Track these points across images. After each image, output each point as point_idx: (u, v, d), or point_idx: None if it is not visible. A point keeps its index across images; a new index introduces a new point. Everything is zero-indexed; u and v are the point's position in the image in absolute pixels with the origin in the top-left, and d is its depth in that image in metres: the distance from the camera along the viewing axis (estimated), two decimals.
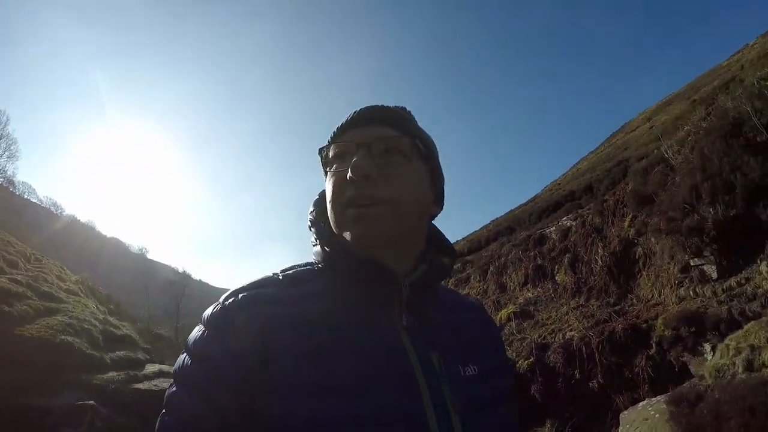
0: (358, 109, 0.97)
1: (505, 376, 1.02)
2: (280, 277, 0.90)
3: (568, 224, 10.98)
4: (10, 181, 52.85)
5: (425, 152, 0.96)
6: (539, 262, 11.26)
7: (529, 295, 10.91)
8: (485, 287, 12.86)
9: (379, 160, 0.88)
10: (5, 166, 43.31)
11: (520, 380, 8.41)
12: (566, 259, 10.32)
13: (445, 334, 0.92)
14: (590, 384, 7.30)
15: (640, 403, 6.01)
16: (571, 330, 8.49)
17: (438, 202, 1.01)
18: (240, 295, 0.84)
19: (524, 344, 9.15)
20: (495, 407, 0.90)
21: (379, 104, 0.97)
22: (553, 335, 8.81)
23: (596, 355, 7.47)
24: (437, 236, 1.01)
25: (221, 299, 0.86)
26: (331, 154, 0.94)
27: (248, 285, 0.88)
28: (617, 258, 8.82)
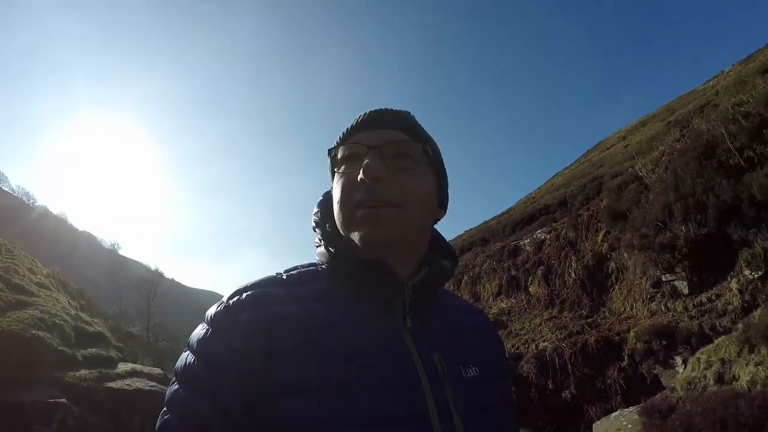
0: (367, 111, 0.99)
1: (506, 380, 1.03)
2: (284, 277, 0.91)
3: (543, 237, 11.19)
4: None
5: (433, 157, 0.98)
6: (513, 273, 11.43)
7: (503, 305, 11.06)
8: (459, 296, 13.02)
9: (390, 163, 0.89)
10: None
11: None
12: (540, 271, 10.51)
13: (447, 336, 0.93)
14: (563, 394, 7.44)
15: (613, 414, 6.17)
16: (544, 341, 8.64)
17: (442, 206, 1.02)
18: (244, 294, 0.85)
19: None
20: (496, 409, 0.92)
21: (388, 108, 0.99)
22: (527, 345, 8.95)
23: (569, 366, 7.62)
24: (438, 239, 1.02)
25: (225, 298, 0.86)
26: (340, 155, 0.94)
27: (252, 284, 0.88)
28: (590, 271, 9.04)
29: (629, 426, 5.60)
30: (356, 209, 0.87)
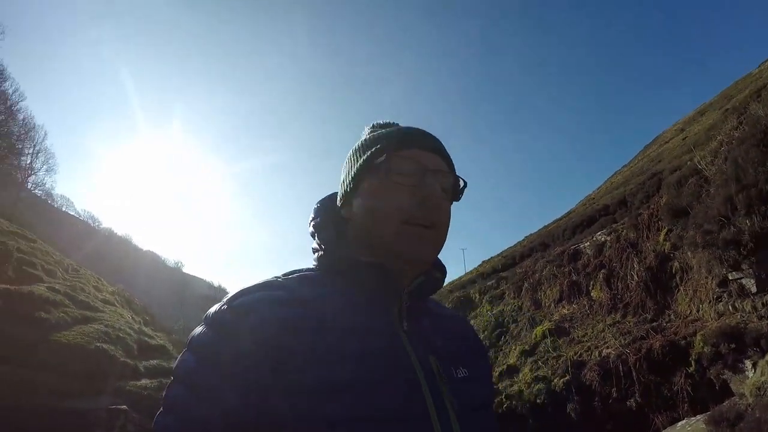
0: (420, 129, 1.05)
1: (490, 382, 1.10)
2: (284, 281, 0.92)
3: (603, 239, 10.76)
4: (49, 194, 54.90)
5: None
6: (574, 278, 11.04)
7: (565, 311, 10.70)
8: (520, 304, 12.68)
9: (442, 189, 0.97)
10: (44, 180, 44.76)
11: (554, 399, 8.26)
12: (601, 275, 10.09)
13: (438, 340, 0.97)
14: (628, 402, 7.09)
15: (679, 423, 5.83)
16: (607, 347, 8.28)
17: None
18: (248, 296, 0.86)
19: (559, 362, 8.98)
20: (483, 408, 0.97)
21: (436, 136, 1.06)
22: (589, 353, 8.60)
23: (633, 373, 7.26)
24: None
25: (226, 299, 0.87)
26: (391, 163, 0.97)
27: (254, 287, 0.89)
28: (653, 273, 8.58)
29: None
30: (405, 224, 0.92)
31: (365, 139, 1.06)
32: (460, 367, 0.96)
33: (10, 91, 35.53)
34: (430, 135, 1.05)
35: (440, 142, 1.05)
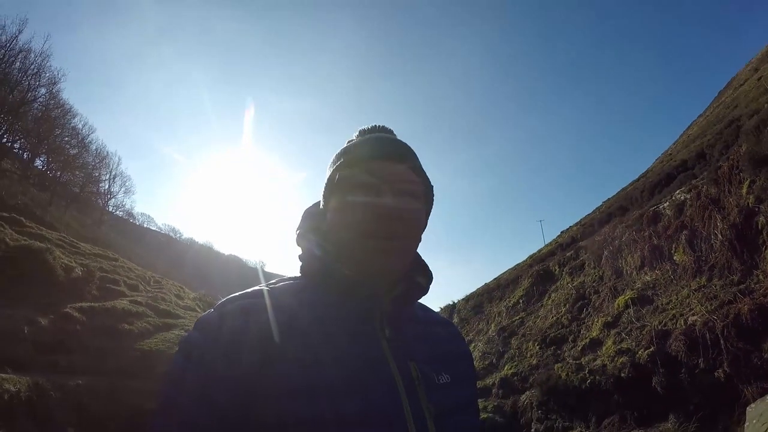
0: (379, 136, 1.08)
1: (473, 386, 1.13)
2: (269, 289, 0.97)
3: (682, 198, 9.96)
4: (130, 214, 59.52)
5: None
6: (655, 242, 10.33)
7: (647, 278, 10.07)
8: (600, 273, 12.08)
9: (401, 200, 0.98)
10: (123, 201, 48.63)
11: (639, 372, 7.85)
12: (683, 237, 9.37)
13: (420, 345, 1.01)
14: (716, 373, 6.59)
15: None
16: (693, 314, 7.73)
17: None
18: (235, 304, 0.92)
19: (643, 333, 8.51)
20: (464, 412, 1.01)
21: (397, 138, 1.09)
22: (674, 321, 8.07)
23: (721, 341, 6.73)
24: (416, 258, 1.09)
25: (216, 306, 0.93)
26: (350, 179, 1.00)
27: (241, 295, 0.95)
28: (738, 230, 7.84)
29: None
30: (368, 238, 0.95)
31: (335, 155, 1.09)
32: (443, 372, 0.99)
33: (80, 126, 39.01)
34: (390, 142, 1.05)
35: (403, 149, 1.05)
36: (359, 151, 1.03)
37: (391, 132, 1.13)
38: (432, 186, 1.08)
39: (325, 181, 1.06)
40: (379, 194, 0.96)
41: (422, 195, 1.03)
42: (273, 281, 1.04)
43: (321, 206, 1.10)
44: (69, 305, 8.97)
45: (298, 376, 0.83)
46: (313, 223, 1.10)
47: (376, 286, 0.97)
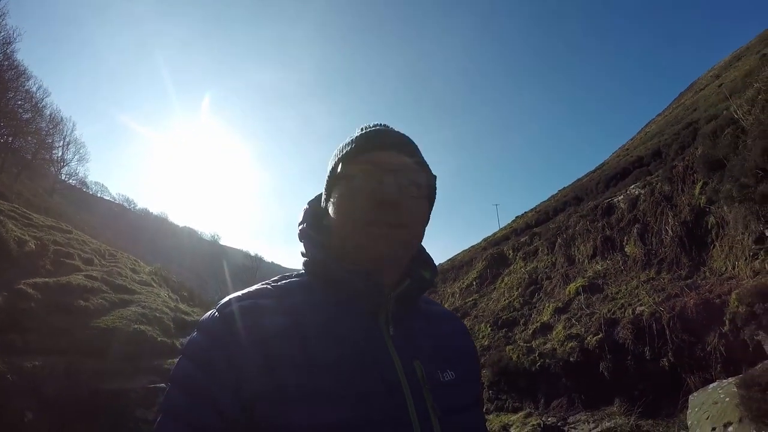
0: (379, 128, 1.06)
1: (478, 383, 1.13)
2: (273, 288, 0.96)
3: (637, 192, 10.42)
4: (83, 182, 56.90)
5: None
6: (608, 233, 10.81)
7: (598, 267, 10.54)
8: (553, 260, 12.54)
9: (404, 188, 0.96)
10: (77, 169, 46.36)
11: (587, 357, 8.25)
12: (635, 230, 9.84)
13: (426, 343, 1.00)
14: (660, 362, 7.03)
15: (711, 385, 5.75)
16: (641, 305, 8.16)
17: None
18: (237, 305, 0.89)
19: (593, 319, 8.91)
20: (469, 410, 1.00)
21: (397, 131, 1.07)
22: (623, 310, 8.50)
23: (667, 331, 7.16)
24: (420, 251, 1.08)
25: (218, 307, 0.91)
26: (352, 168, 0.99)
27: (244, 295, 0.93)
28: (688, 228, 8.31)
29: (727, 399, 5.20)
30: (369, 226, 0.94)
31: (336, 149, 1.08)
32: (448, 370, 0.99)
33: (34, 89, 36.60)
34: (391, 133, 1.05)
35: (405, 141, 1.05)
36: (361, 142, 1.02)
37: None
38: (435, 177, 1.07)
39: (328, 173, 1.05)
40: (381, 183, 0.95)
41: (424, 186, 1.02)
42: (275, 278, 1.02)
43: (323, 200, 1.08)
44: (23, 281, 8.52)
45: (302, 379, 0.82)
46: (315, 218, 1.09)
47: (380, 281, 0.95)
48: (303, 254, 1.04)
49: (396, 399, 0.87)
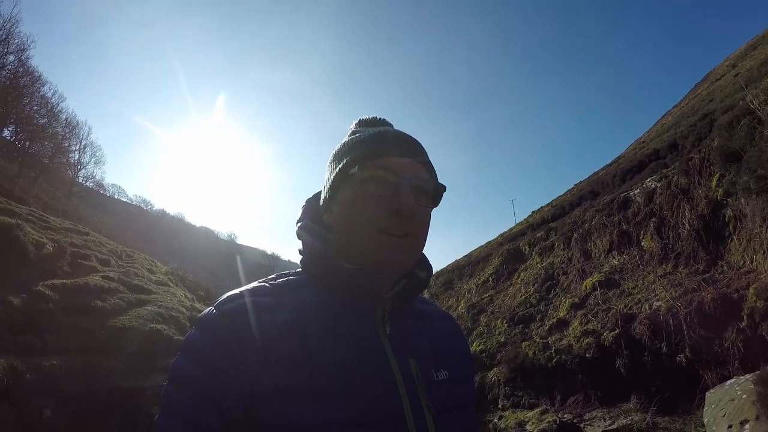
0: (391, 131, 1.06)
1: (472, 382, 1.15)
2: (271, 286, 0.97)
3: (653, 186, 10.25)
4: (100, 185, 57.90)
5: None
6: (624, 228, 10.65)
7: (615, 262, 10.40)
8: (569, 255, 12.41)
9: (417, 198, 0.96)
10: (93, 172, 47.27)
11: (603, 353, 8.17)
12: (652, 224, 9.68)
13: (420, 342, 1.01)
14: (677, 358, 6.93)
15: (728, 382, 5.66)
16: (658, 300, 8.05)
17: None
18: (237, 302, 0.90)
19: (609, 315, 8.82)
20: (463, 408, 1.02)
21: (411, 135, 1.06)
22: (639, 305, 8.39)
23: (684, 327, 7.05)
24: None
25: (217, 304, 0.91)
26: (364, 172, 0.98)
27: (242, 293, 0.93)
28: (705, 221, 8.15)
29: (744, 396, 5.12)
30: (379, 233, 0.94)
31: (342, 145, 1.07)
32: (442, 370, 1.00)
33: (50, 94, 37.34)
34: (406, 139, 1.04)
35: (418, 146, 1.05)
36: (375, 144, 1.01)
37: (390, 125, 1.13)
38: (443, 186, 1.05)
39: (335, 172, 1.03)
40: (396, 191, 0.94)
41: (432, 194, 1.02)
42: (272, 276, 1.03)
43: (324, 197, 1.07)
44: (41, 283, 8.73)
45: (302, 378, 0.83)
46: (315, 216, 1.09)
47: (378, 281, 0.96)
48: (300, 252, 1.05)
49: (392, 397, 0.88)
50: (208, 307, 0.95)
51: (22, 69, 32.74)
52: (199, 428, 0.81)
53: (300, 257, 1.05)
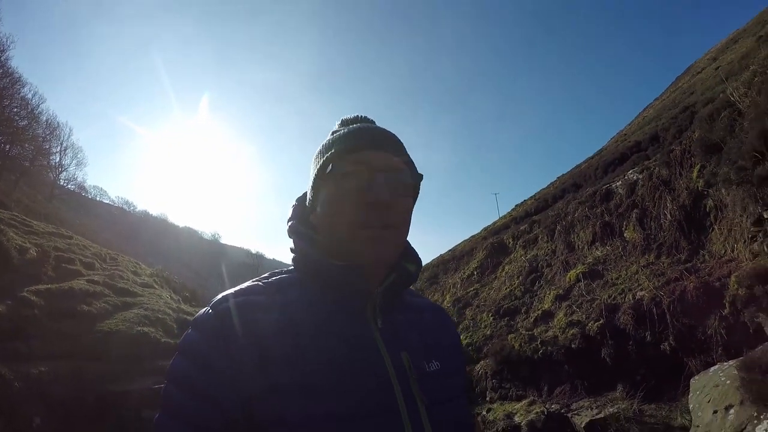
0: (365, 127, 1.06)
1: (463, 372, 1.16)
2: (263, 285, 0.98)
3: (635, 177, 10.40)
4: (82, 187, 57.25)
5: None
6: (607, 219, 10.80)
7: (598, 254, 10.54)
8: (553, 247, 12.54)
9: (392, 189, 0.97)
10: (75, 174, 46.62)
11: (589, 343, 8.28)
12: (634, 215, 9.83)
13: (411, 335, 1.03)
14: (662, 346, 7.05)
15: (712, 368, 5.78)
16: (641, 290, 8.17)
17: None
18: (231, 301, 0.91)
19: (593, 306, 8.93)
20: (455, 399, 1.03)
21: (386, 129, 1.07)
22: (623, 295, 8.52)
23: (667, 316, 7.18)
24: (405, 246, 1.09)
25: (211, 304, 0.92)
26: (340, 167, 0.99)
27: (236, 292, 0.94)
28: (687, 212, 8.30)
29: (728, 382, 5.23)
30: (360, 228, 0.95)
31: (321, 146, 1.08)
32: (433, 361, 1.02)
33: (30, 96, 36.56)
34: (381, 134, 1.05)
35: (393, 140, 1.06)
36: (350, 141, 1.02)
37: (373, 122, 1.14)
38: (420, 175, 1.08)
39: (315, 172, 1.05)
40: (371, 184, 0.95)
41: (410, 185, 1.03)
42: (265, 275, 1.04)
43: (309, 198, 1.09)
44: (26, 289, 8.61)
45: (295, 375, 0.84)
46: (302, 216, 1.11)
47: (367, 276, 0.97)
48: (292, 250, 1.06)
49: (385, 390, 0.89)
50: (198, 308, 0.94)
51: (1, 71, 31.99)
52: (198, 428, 0.82)
53: (292, 255, 1.06)
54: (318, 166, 1.04)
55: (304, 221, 1.08)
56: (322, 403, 0.82)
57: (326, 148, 1.05)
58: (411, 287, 1.14)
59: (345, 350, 0.90)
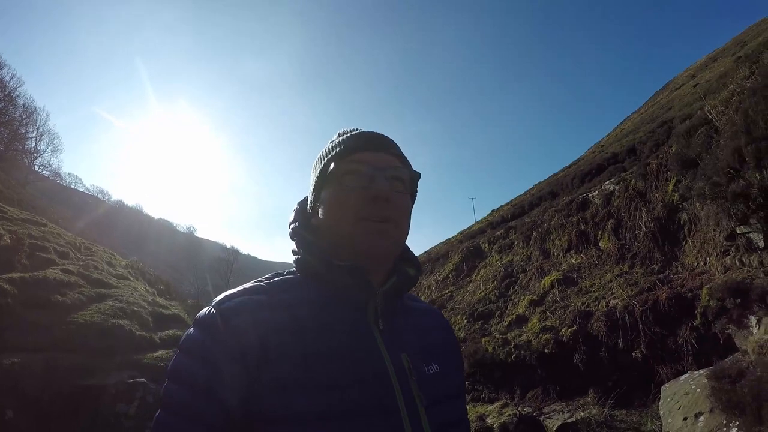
0: (364, 131, 1.11)
1: (461, 374, 1.19)
2: (266, 285, 0.99)
3: (611, 188, 10.65)
4: (57, 174, 55.65)
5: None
6: (582, 228, 11.02)
7: (573, 261, 10.75)
8: (528, 253, 12.74)
9: (392, 185, 1.03)
10: (50, 161, 45.21)
11: (562, 349, 8.43)
12: (610, 225, 10.06)
13: (411, 337, 1.05)
14: (633, 354, 7.23)
15: (683, 376, 5.96)
16: (614, 298, 8.36)
17: None
18: (234, 301, 0.92)
19: (567, 312, 9.09)
20: (453, 401, 1.06)
21: (382, 133, 1.12)
22: (597, 303, 8.69)
23: (640, 324, 7.36)
24: (405, 250, 1.14)
25: (214, 303, 0.93)
26: (341, 169, 1.04)
27: (239, 291, 0.96)
28: (661, 224, 8.54)
29: (698, 390, 5.40)
30: (361, 221, 0.98)
31: (322, 152, 1.13)
32: (432, 363, 1.04)
33: (8, 77, 35.49)
34: (378, 136, 1.10)
35: (389, 141, 1.11)
36: (350, 143, 1.07)
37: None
38: (418, 174, 1.12)
39: (316, 176, 1.09)
40: (372, 181, 1.00)
41: (408, 181, 1.08)
42: (268, 276, 1.06)
43: (310, 202, 1.13)
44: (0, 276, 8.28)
45: (294, 371, 0.85)
46: (305, 218, 1.14)
47: (371, 278, 1.00)
48: (294, 252, 1.08)
49: (385, 390, 0.91)
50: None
51: None
52: (201, 425, 0.82)
53: (294, 257, 1.08)
54: (320, 169, 1.08)
55: (305, 224, 1.11)
56: (323, 400, 0.83)
57: (327, 152, 1.10)
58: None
59: (347, 349, 0.91)
